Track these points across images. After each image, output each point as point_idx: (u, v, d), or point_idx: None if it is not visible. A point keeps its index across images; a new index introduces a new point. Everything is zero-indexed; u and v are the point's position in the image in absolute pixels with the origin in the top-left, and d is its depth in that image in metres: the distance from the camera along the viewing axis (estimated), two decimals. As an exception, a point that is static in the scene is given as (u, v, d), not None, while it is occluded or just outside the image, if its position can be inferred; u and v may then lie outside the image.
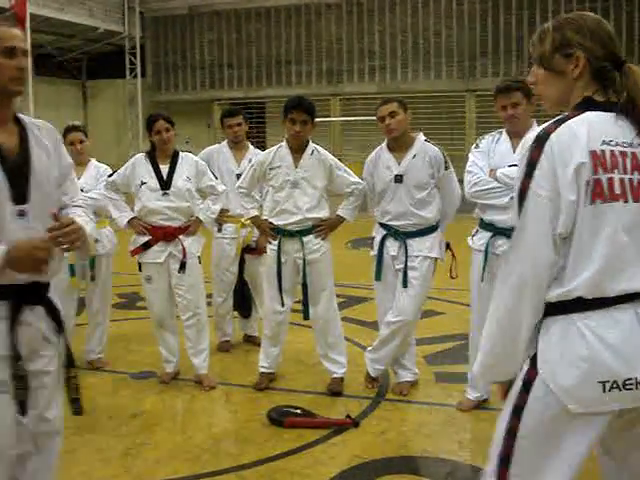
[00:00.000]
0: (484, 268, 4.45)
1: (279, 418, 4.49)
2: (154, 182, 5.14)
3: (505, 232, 4.37)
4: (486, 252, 4.44)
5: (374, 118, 4.95)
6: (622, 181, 2.03)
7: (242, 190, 5.18)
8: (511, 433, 2.09)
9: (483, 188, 4.40)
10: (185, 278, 5.16)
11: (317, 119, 5.06)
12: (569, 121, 2.07)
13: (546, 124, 2.10)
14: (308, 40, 20.30)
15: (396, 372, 5.10)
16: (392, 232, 4.88)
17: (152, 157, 5.22)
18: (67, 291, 5.54)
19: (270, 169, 4.99)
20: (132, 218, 5.21)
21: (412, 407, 4.85)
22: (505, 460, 2.10)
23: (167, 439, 4.37)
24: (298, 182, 4.92)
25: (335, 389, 5.03)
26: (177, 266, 5.13)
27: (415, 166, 4.80)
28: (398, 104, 4.80)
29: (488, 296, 4.42)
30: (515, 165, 4.29)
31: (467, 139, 17.74)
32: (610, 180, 2.02)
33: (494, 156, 4.44)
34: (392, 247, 4.89)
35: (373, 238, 5.03)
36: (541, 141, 2.04)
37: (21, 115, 2.82)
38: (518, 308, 2.07)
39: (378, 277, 4.97)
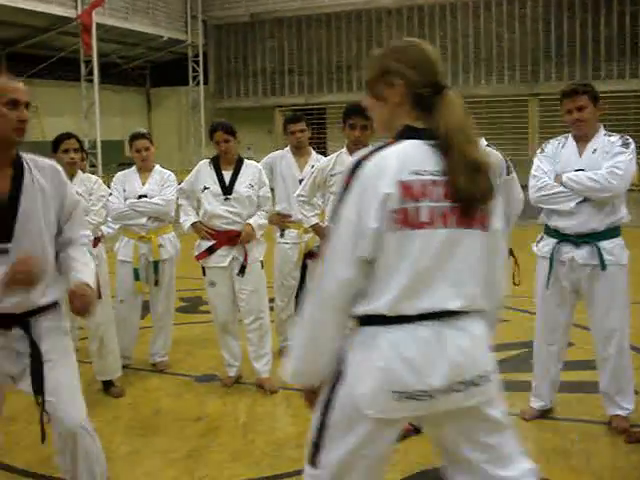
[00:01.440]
0: (549, 275, 4.38)
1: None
2: (216, 187, 5.21)
3: (571, 239, 4.30)
4: (551, 259, 4.36)
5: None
6: (431, 209, 2.14)
7: (302, 198, 5.21)
8: (322, 425, 2.27)
9: (548, 193, 4.33)
10: (248, 282, 5.21)
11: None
12: (384, 150, 2.18)
13: (364, 151, 2.23)
14: (368, 46, 20.28)
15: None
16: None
17: (216, 163, 5.30)
18: (132, 295, 5.66)
19: (331, 175, 5.00)
20: (195, 222, 5.30)
21: (474, 415, 4.79)
22: (316, 447, 2.29)
23: (229, 442, 4.41)
24: (359, 188, 4.91)
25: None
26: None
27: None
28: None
29: (553, 303, 4.40)
30: (582, 170, 4.23)
31: (530, 144, 17.50)
32: (417, 209, 2.12)
33: (559, 161, 4.37)
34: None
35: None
36: (355, 168, 2.18)
37: (26, 157, 2.97)
38: (323, 320, 2.22)
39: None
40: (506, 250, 2.48)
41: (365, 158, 2.18)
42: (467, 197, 2.17)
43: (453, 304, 2.18)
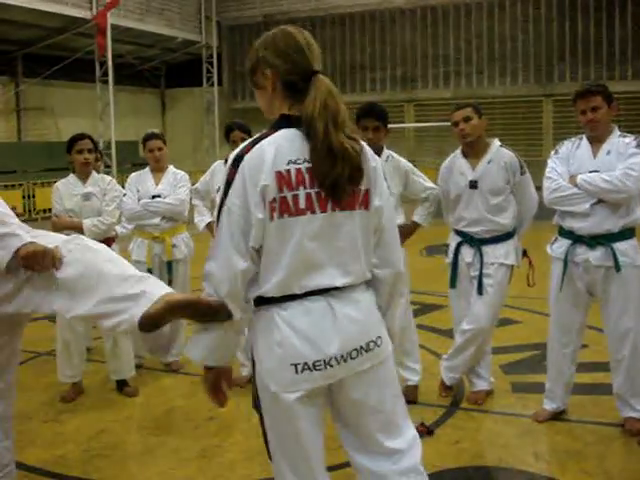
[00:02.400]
0: (563, 276, 4.36)
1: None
2: (231, 188, 5.22)
3: (585, 240, 4.28)
4: (565, 260, 4.35)
5: (449, 124, 4.91)
6: (308, 195, 2.24)
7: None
8: (260, 415, 2.44)
9: (562, 194, 4.32)
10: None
11: (391, 125, 5.04)
12: (262, 142, 2.28)
13: (244, 143, 2.32)
14: (382, 46, 20.30)
15: (471, 381, 5.03)
16: (467, 239, 4.83)
17: (229, 164, 5.31)
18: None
19: (345, 176, 5.00)
20: (210, 222, 5.32)
21: (487, 417, 4.78)
22: (265, 441, 2.47)
23: (242, 442, 4.42)
24: (374, 189, 4.91)
25: (409, 397, 4.99)
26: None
27: (490, 172, 4.74)
28: (472, 109, 4.75)
29: (567, 305, 4.39)
30: (596, 171, 4.22)
31: (544, 144, 17.45)
32: (295, 197, 2.23)
33: (574, 162, 4.36)
34: (467, 254, 4.83)
35: (448, 245, 4.98)
36: (237, 162, 2.26)
37: None
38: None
39: (453, 284, 4.92)
40: (395, 223, 2.60)
41: (246, 151, 2.26)
42: (330, 183, 2.25)
43: (339, 282, 2.31)
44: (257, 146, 2.26)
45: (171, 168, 5.83)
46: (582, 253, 4.29)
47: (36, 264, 2.63)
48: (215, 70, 21.97)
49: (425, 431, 4.38)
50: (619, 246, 4.23)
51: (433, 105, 19.14)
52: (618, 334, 4.31)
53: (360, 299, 2.37)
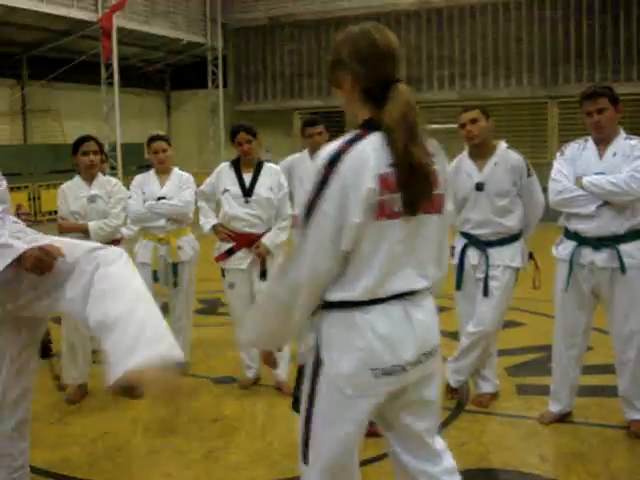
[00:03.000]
0: (569, 278, 4.36)
1: (358, 426, 4.48)
2: (237, 189, 5.24)
3: (591, 242, 4.28)
4: (571, 262, 4.34)
5: (455, 126, 4.91)
6: (398, 199, 2.21)
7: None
8: (308, 418, 2.35)
9: (568, 196, 4.31)
10: (267, 284, 5.22)
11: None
12: (360, 143, 2.21)
13: (338, 142, 2.22)
14: (387, 48, 20.28)
15: (477, 383, 5.03)
16: (473, 241, 4.83)
17: (236, 166, 5.32)
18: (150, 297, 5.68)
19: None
20: (215, 224, 5.32)
21: (492, 419, 4.77)
22: (306, 443, 2.38)
23: (247, 444, 4.42)
24: (378, 191, 4.91)
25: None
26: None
27: (496, 174, 4.73)
28: (480, 111, 4.75)
29: (573, 307, 4.38)
30: (602, 173, 4.21)
31: (549, 146, 17.43)
32: (392, 200, 2.20)
33: (580, 164, 4.35)
34: (473, 256, 4.83)
35: (454, 247, 4.98)
36: (334, 161, 2.17)
37: None
38: (292, 304, 2.28)
39: (459, 286, 4.92)
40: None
41: (343, 151, 2.19)
42: (412, 192, 2.23)
43: (418, 285, 2.32)
44: (357, 147, 2.20)
45: (176, 170, 5.83)
46: (587, 255, 4.28)
47: (39, 267, 2.67)
48: (220, 72, 21.98)
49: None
50: (625, 248, 4.22)
51: (438, 107, 19.11)
52: (623, 336, 4.31)
53: (425, 303, 2.38)
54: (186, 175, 5.83)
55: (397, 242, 2.24)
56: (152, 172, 5.77)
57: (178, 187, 5.70)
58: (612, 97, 4.24)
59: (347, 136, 2.24)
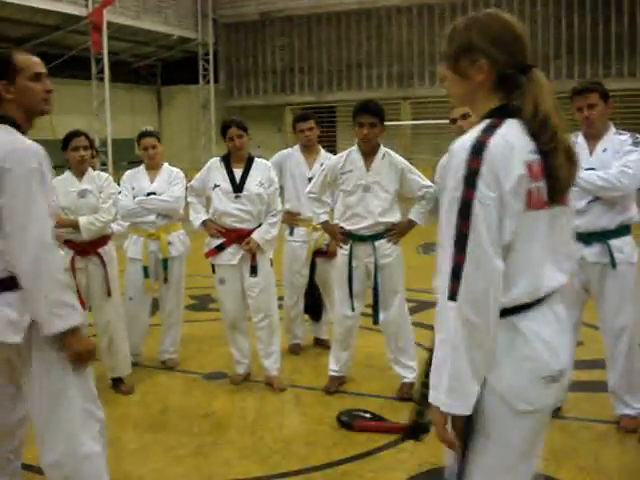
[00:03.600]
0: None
1: (349, 421, 4.49)
2: (227, 185, 5.22)
3: (581, 237, 4.28)
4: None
5: (446, 121, 4.91)
6: (542, 188, 2.06)
7: (312, 195, 5.19)
8: (467, 441, 2.07)
9: (558, 192, 4.32)
10: (257, 280, 5.22)
11: (388, 123, 5.04)
12: (499, 130, 2.05)
13: (473, 133, 2.07)
14: (378, 44, 20.28)
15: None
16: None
17: (227, 161, 5.31)
18: (141, 293, 5.67)
19: (341, 173, 5.00)
20: (205, 220, 5.31)
21: (483, 414, 4.78)
22: (461, 474, 2.12)
23: (237, 439, 4.42)
24: (370, 186, 4.92)
25: (405, 394, 5.00)
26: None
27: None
28: (470, 106, 4.74)
29: (562, 301, 4.38)
30: (592, 169, 4.22)
31: (540, 142, 17.44)
32: (538, 188, 2.04)
33: (570, 159, 4.35)
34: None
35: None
36: (478, 150, 2.00)
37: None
38: (482, 323, 1.97)
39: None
40: None
41: (484, 140, 2.02)
42: (564, 180, 2.11)
43: (562, 281, 2.15)
44: (498, 134, 2.03)
45: (166, 165, 5.82)
46: (578, 250, 4.29)
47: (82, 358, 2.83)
48: (211, 67, 21.91)
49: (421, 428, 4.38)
50: (615, 243, 4.24)
51: (429, 102, 19.11)
52: (613, 331, 4.32)
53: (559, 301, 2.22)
54: (176, 170, 5.82)
55: (547, 235, 2.08)
56: (142, 167, 5.76)
57: (168, 182, 5.69)
58: (603, 93, 4.26)
59: (480, 126, 2.09)
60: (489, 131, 2.05)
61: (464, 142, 2.06)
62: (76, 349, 2.78)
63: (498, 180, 1.98)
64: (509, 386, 2.04)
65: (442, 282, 2.04)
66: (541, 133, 2.05)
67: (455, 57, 2.18)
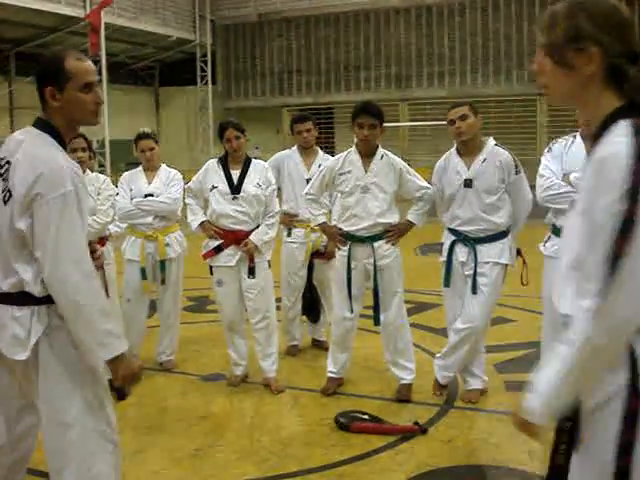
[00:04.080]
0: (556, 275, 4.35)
1: (347, 423, 4.48)
2: (225, 186, 5.21)
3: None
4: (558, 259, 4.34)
5: (443, 123, 4.91)
6: None
7: (310, 196, 5.19)
8: (623, 475, 1.80)
9: (555, 192, 4.31)
10: (255, 282, 5.21)
11: (386, 124, 5.04)
12: None
13: (624, 140, 1.76)
14: (377, 45, 20.30)
15: (465, 379, 5.03)
16: (461, 238, 4.83)
17: (224, 162, 5.30)
18: (139, 294, 5.66)
19: (340, 174, 5.00)
20: (203, 221, 5.30)
21: (481, 415, 4.78)
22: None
23: (235, 441, 4.41)
24: (368, 187, 4.91)
25: (403, 395, 5.00)
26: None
27: (485, 171, 4.74)
28: (469, 107, 4.75)
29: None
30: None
31: (538, 144, 17.46)
32: None
33: (567, 160, 4.35)
34: (461, 253, 4.83)
35: (442, 244, 4.98)
36: None
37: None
38: (611, 348, 1.81)
39: (447, 283, 4.92)
40: None
41: None
42: None
43: None
44: None
45: (164, 167, 5.81)
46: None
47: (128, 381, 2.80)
48: (209, 69, 21.92)
49: (419, 430, 4.38)
50: None
51: (428, 104, 19.13)
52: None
53: None
54: (174, 172, 5.82)
55: None
56: (140, 169, 5.75)
57: (166, 184, 5.68)
58: None
59: (626, 130, 1.79)
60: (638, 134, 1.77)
61: (618, 150, 1.76)
62: (122, 374, 2.73)
63: None
64: None
65: (577, 301, 1.85)
66: None
67: (560, 47, 1.91)
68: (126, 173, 5.85)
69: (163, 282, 5.72)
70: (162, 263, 5.65)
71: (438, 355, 5.09)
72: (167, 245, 5.64)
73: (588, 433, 1.89)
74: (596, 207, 1.77)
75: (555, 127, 16.33)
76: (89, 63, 2.77)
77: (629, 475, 1.78)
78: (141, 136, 5.72)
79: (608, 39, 1.85)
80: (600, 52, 1.85)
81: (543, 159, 4.48)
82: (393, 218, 5.00)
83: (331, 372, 5.19)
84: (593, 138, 1.90)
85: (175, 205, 5.65)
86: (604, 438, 1.83)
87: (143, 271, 5.60)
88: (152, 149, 5.67)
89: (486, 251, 4.77)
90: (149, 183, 5.67)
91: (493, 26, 19.04)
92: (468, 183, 4.75)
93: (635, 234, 1.72)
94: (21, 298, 2.66)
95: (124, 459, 4.13)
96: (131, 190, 5.63)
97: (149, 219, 5.58)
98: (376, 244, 4.94)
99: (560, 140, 4.49)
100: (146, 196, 5.59)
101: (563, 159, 4.37)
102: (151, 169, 5.72)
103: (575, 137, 4.40)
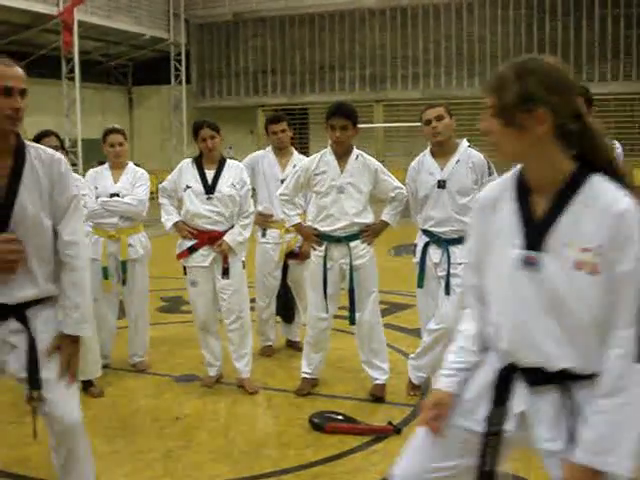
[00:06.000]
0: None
1: (321, 423, 4.49)
2: (199, 186, 5.19)
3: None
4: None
5: (418, 124, 4.93)
6: None
7: (284, 197, 5.18)
8: None
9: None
10: (229, 282, 5.20)
11: (360, 125, 5.05)
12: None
13: (621, 193, 1.96)
14: (352, 46, 20.34)
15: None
16: (435, 239, 4.85)
17: (198, 162, 5.28)
18: (104, 293, 5.57)
19: (315, 175, 5.00)
20: (177, 221, 5.27)
21: (454, 415, 4.80)
22: None
23: (209, 442, 4.40)
24: (344, 187, 4.92)
25: (377, 395, 5.01)
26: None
27: (458, 172, 4.77)
28: (444, 108, 4.78)
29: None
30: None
31: (511, 146, 17.60)
32: None
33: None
34: (435, 254, 4.86)
35: (415, 245, 5.00)
36: None
37: (29, 145, 2.91)
38: None
39: (420, 284, 4.94)
40: None
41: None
42: None
43: None
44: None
45: (131, 165, 5.75)
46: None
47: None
48: (183, 68, 21.85)
49: (393, 430, 4.40)
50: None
51: (402, 105, 19.21)
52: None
53: None
54: (141, 171, 5.76)
55: None
56: (106, 167, 5.67)
57: (132, 184, 5.61)
58: (586, 97, 4.29)
59: (613, 186, 1.99)
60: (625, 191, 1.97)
61: (628, 204, 1.95)
62: (70, 353, 2.92)
63: None
64: None
65: (626, 342, 1.94)
66: (620, 180, 2.01)
67: (510, 108, 2.01)
68: (91, 170, 5.76)
69: (124, 283, 5.64)
70: (123, 264, 5.58)
71: (412, 356, 5.11)
72: (130, 246, 5.58)
73: None
74: (624, 258, 1.92)
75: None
76: (15, 70, 2.76)
77: None
78: (110, 131, 5.66)
79: (557, 100, 1.98)
80: (550, 113, 1.97)
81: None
82: (368, 218, 5.01)
83: (305, 373, 5.20)
84: (558, 194, 2.03)
85: (141, 207, 5.59)
86: None
87: (105, 270, 5.53)
88: (122, 144, 5.61)
89: (459, 252, 4.78)
90: (115, 182, 5.59)
91: (467, 29, 19.18)
92: (441, 184, 4.77)
93: None
94: None
95: (97, 461, 4.11)
96: (96, 188, 5.54)
97: (114, 219, 5.51)
98: (352, 244, 4.94)
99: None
100: (112, 195, 5.51)
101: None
102: (118, 167, 5.65)
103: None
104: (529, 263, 2.04)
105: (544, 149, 2.02)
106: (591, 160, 2.02)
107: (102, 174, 5.64)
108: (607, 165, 2.01)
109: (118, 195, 5.53)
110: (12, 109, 2.72)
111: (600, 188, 1.98)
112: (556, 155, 2.03)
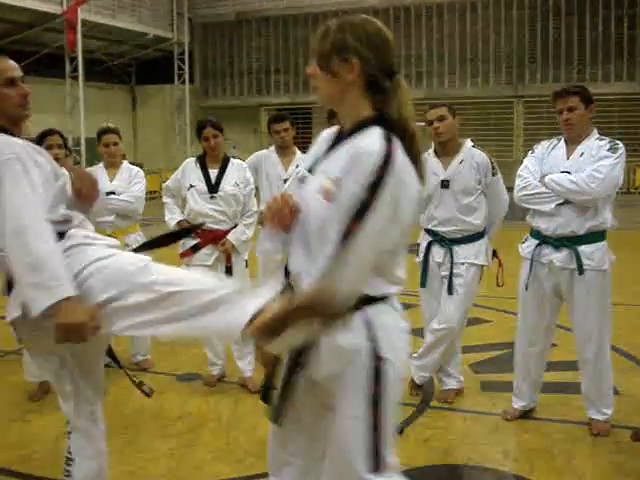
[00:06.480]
0: (529, 276, 4.39)
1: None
2: (202, 185, 5.20)
3: (550, 241, 4.31)
4: (532, 260, 4.38)
5: (422, 124, 4.92)
6: None
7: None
8: (375, 424, 2.29)
9: (530, 193, 4.35)
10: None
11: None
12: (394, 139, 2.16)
13: (377, 139, 2.11)
14: (355, 46, 20.34)
15: (441, 380, 5.05)
16: (438, 238, 4.85)
17: (202, 161, 5.28)
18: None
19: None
20: (181, 220, 5.28)
21: (457, 415, 4.80)
22: (377, 452, 2.29)
23: (211, 441, 4.40)
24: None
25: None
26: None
27: (462, 171, 4.76)
28: (447, 108, 4.77)
29: (534, 305, 4.40)
30: (567, 172, 4.24)
31: (515, 145, 17.59)
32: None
33: (547, 162, 4.39)
34: (438, 254, 4.85)
35: (419, 244, 5.00)
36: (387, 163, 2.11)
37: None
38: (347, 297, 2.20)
39: (423, 284, 4.94)
40: None
41: (391, 151, 2.11)
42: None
43: None
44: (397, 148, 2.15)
45: (126, 164, 5.77)
46: (548, 254, 4.32)
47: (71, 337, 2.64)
48: (186, 67, 21.85)
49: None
50: (585, 249, 4.24)
51: (405, 105, 19.20)
52: (582, 336, 4.35)
53: None
54: (136, 169, 5.78)
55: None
56: (101, 166, 5.70)
57: (128, 182, 5.63)
58: (584, 97, 4.28)
59: (379, 135, 2.15)
60: (392, 143, 2.12)
61: (372, 149, 2.11)
62: (59, 322, 2.56)
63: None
64: (402, 359, 2.50)
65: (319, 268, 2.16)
66: (404, 138, 2.17)
67: (327, 55, 2.24)
68: (87, 170, 5.78)
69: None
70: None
71: (414, 355, 5.10)
72: (126, 245, 5.58)
73: (338, 392, 2.27)
74: (344, 188, 2.11)
75: (532, 129, 16.46)
76: (9, 61, 2.90)
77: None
78: (105, 130, 5.67)
79: (368, 54, 2.19)
80: (360, 64, 2.19)
81: (525, 160, 4.53)
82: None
83: (308, 372, 5.19)
84: (347, 134, 2.25)
85: (137, 204, 5.60)
86: (354, 395, 2.24)
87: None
88: (116, 144, 5.62)
89: (462, 252, 4.78)
90: (111, 180, 5.61)
91: (471, 28, 19.15)
92: (445, 184, 4.77)
93: (367, 219, 2.06)
94: None
95: (99, 459, 4.11)
96: None
97: (110, 218, 5.52)
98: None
99: (543, 142, 4.53)
100: (108, 194, 5.52)
101: (544, 161, 4.40)
102: (113, 166, 5.66)
103: (560, 140, 4.43)
104: (300, 179, 2.41)
105: (351, 96, 2.24)
106: (389, 120, 2.19)
107: (97, 173, 5.64)
108: (402, 132, 2.17)
109: (114, 193, 5.54)
110: (20, 95, 2.85)
111: (366, 134, 2.16)
112: (360, 103, 2.23)
